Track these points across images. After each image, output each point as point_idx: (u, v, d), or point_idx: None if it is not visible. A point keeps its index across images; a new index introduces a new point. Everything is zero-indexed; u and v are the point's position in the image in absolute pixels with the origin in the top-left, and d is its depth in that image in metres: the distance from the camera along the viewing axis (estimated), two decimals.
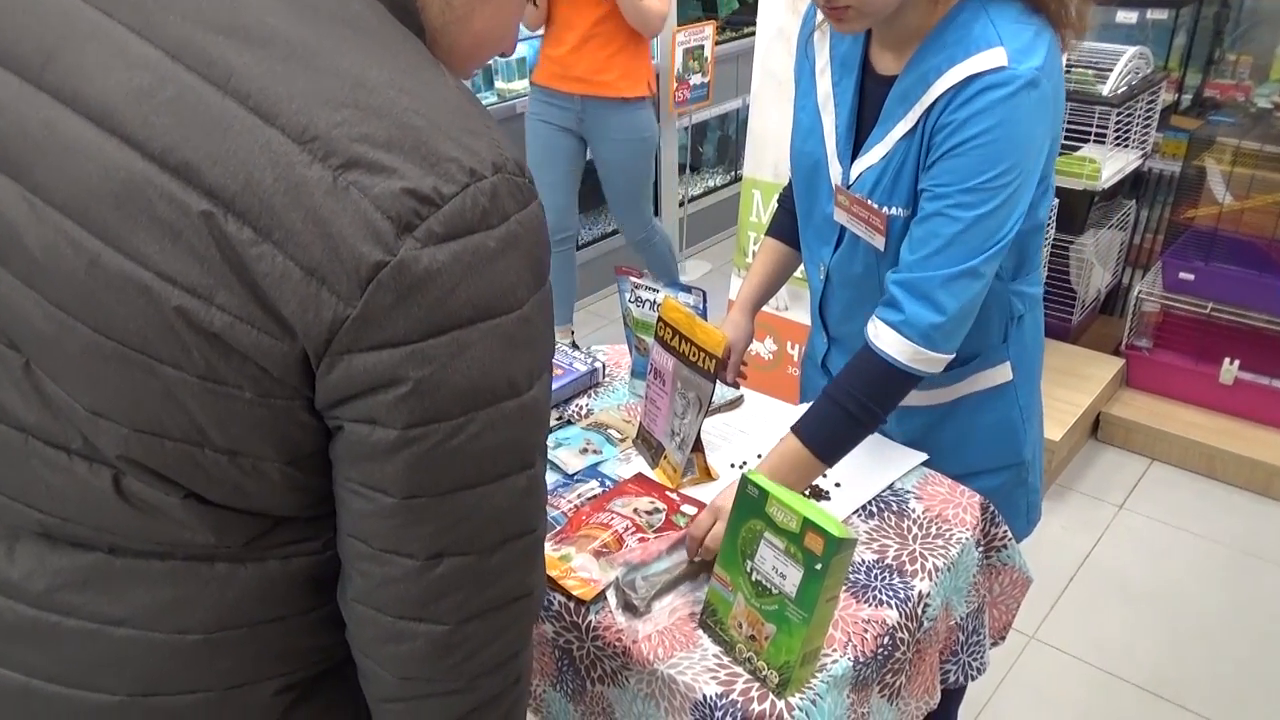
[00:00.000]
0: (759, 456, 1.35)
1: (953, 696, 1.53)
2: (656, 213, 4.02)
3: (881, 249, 1.19)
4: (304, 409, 0.61)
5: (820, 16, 1.27)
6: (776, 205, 1.51)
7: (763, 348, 2.93)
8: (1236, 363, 2.74)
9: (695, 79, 3.69)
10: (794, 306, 2.85)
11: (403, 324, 0.56)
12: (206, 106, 0.56)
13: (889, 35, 1.16)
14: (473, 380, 0.59)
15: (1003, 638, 1.40)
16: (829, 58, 1.25)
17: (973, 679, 1.26)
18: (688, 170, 4.05)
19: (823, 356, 1.42)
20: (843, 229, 1.26)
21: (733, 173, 4.49)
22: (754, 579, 1.01)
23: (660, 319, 1.33)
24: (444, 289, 0.56)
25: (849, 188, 1.22)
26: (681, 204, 4.05)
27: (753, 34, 4.17)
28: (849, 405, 1.15)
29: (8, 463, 0.66)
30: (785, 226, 1.47)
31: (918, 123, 1.12)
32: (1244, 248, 2.72)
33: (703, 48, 3.67)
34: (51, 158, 0.58)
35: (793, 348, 2.86)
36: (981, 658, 1.27)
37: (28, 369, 0.62)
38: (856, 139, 1.22)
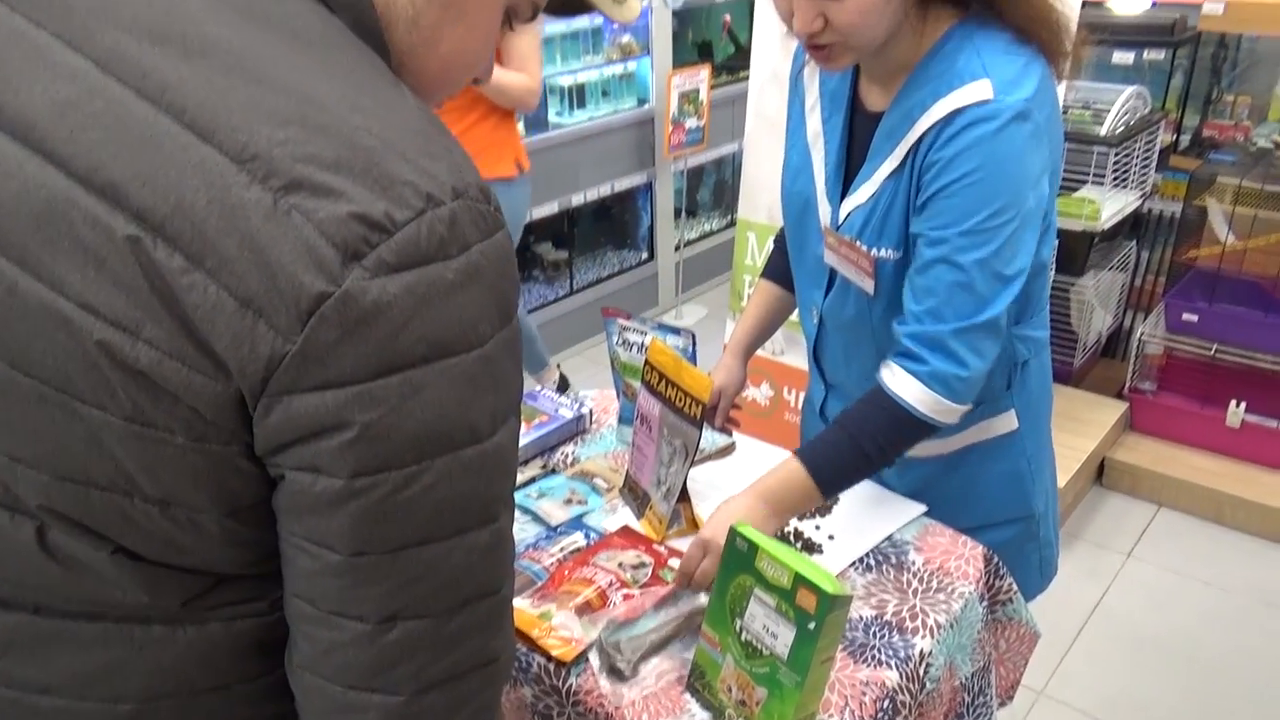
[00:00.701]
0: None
1: None
2: (652, 257, 4.00)
3: (871, 292, 1.15)
4: (242, 455, 0.55)
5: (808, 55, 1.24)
6: (772, 246, 1.47)
7: (759, 393, 2.88)
8: (1243, 405, 2.69)
9: (690, 122, 3.69)
10: (790, 351, 2.80)
11: (348, 362, 0.51)
12: (137, 122, 0.51)
13: (876, 70, 1.13)
14: (427, 425, 0.53)
15: (1010, 697, 1.32)
16: (819, 94, 1.21)
17: None
18: (684, 214, 4.03)
19: (821, 403, 1.37)
20: (834, 271, 1.22)
21: (729, 216, 4.48)
22: (744, 639, 0.95)
23: (647, 362, 1.28)
24: (395, 324, 0.51)
25: (837, 229, 1.18)
26: (678, 248, 4.03)
27: (747, 78, 4.18)
28: (863, 442, 1.09)
29: None
30: (780, 268, 1.43)
31: (905, 160, 1.08)
32: (1248, 288, 2.68)
33: (698, 91, 3.67)
34: None
35: (789, 393, 2.81)
36: (989, 718, 1.20)
37: None
38: (846, 178, 1.18)
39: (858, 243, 1.14)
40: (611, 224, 4.01)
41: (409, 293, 0.51)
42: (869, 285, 1.14)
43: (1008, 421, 1.27)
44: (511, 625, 0.65)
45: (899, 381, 1.08)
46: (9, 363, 0.53)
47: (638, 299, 3.96)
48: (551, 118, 3.45)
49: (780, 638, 0.91)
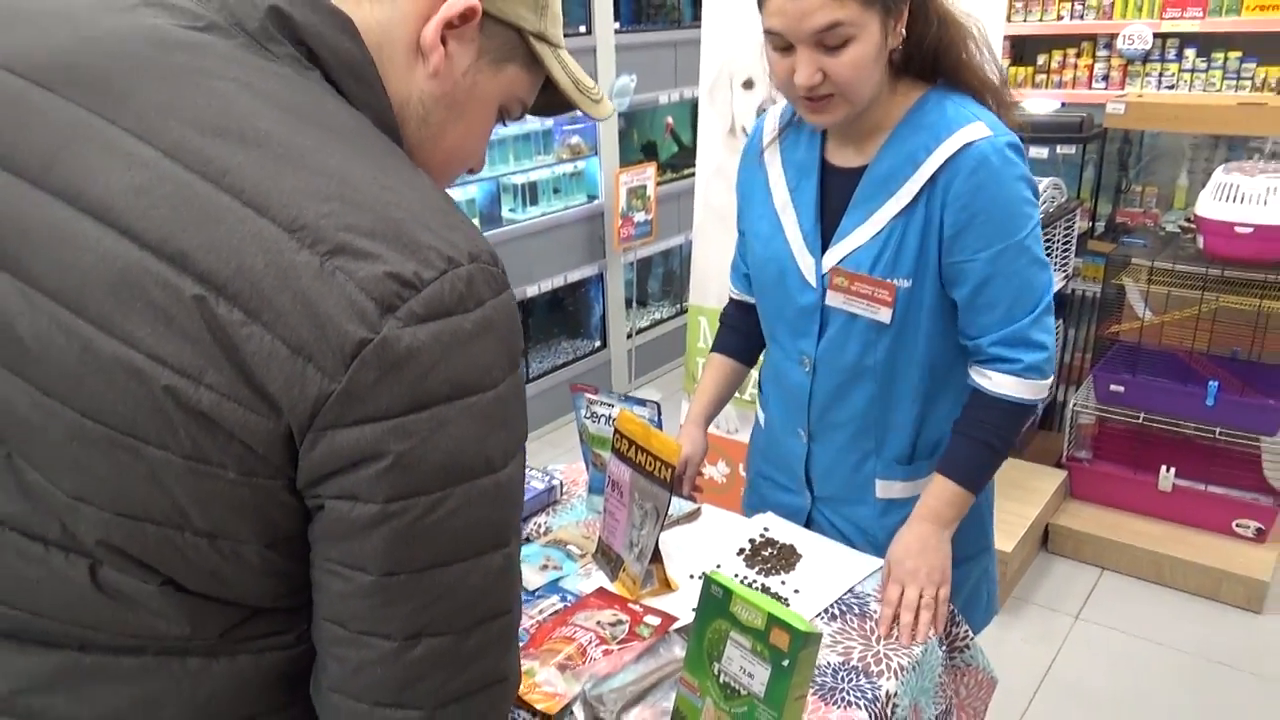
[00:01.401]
0: (718, 566, 1.36)
1: None
2: (605, 345, 4.10)
3: (887, 321, 1.27)
4: (285, 489, 0.62)
5: (770, 135, 1.39)
6: (720, 324, 1.58)
7: (715, 471, 2.95)
8: (1173, 470, 2.83)
9: (639, 216, 3.85)
10: (744, 428, 2.89)
11: (385, 399, 0.58)
12: (202, 200, 0.59)
13: (851, 132, 1.29)
14: (451, 456, 0.61)
15: None
16: (781, 169, 1.35)
17: None
18: (634, 303, 4.16)
19: (805, 457, 1.44)
20: (825, 318, 1.32)
21: (678, 305, 4.62)
22: (722, 681, 1.00)
23: (616, 431, 1.35)
24: (424, 366, 0.59)
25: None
26: (630, 335, 4.14)
27: (692, 175, 4.39)
28: (990, 440, 1.28)
29: None
30: (729, 344, 1.56)
31: (919, 194, 1.23)
32: (1168, 360, 2.86)
33: (645, 187, 3.85)
34: (49, 251, 0.60)
35: (745, 470, 2.89)
36: None
37: (9, 460, 0.63)
38: (824, 231, 1.31)
39: (872, 275, 1.26)
40: (565, 314, 4.12)
41: (436, 340, 0.59)
42: (885, 315, 1.27)
43: None
44: (518, 649, 0.71)
45: (999, 383, 1.26)
46: (81, 412, 0.60)
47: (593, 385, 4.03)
48: (505, 214, 3.58)
49: (756, 677, 0.97)
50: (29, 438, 0.62)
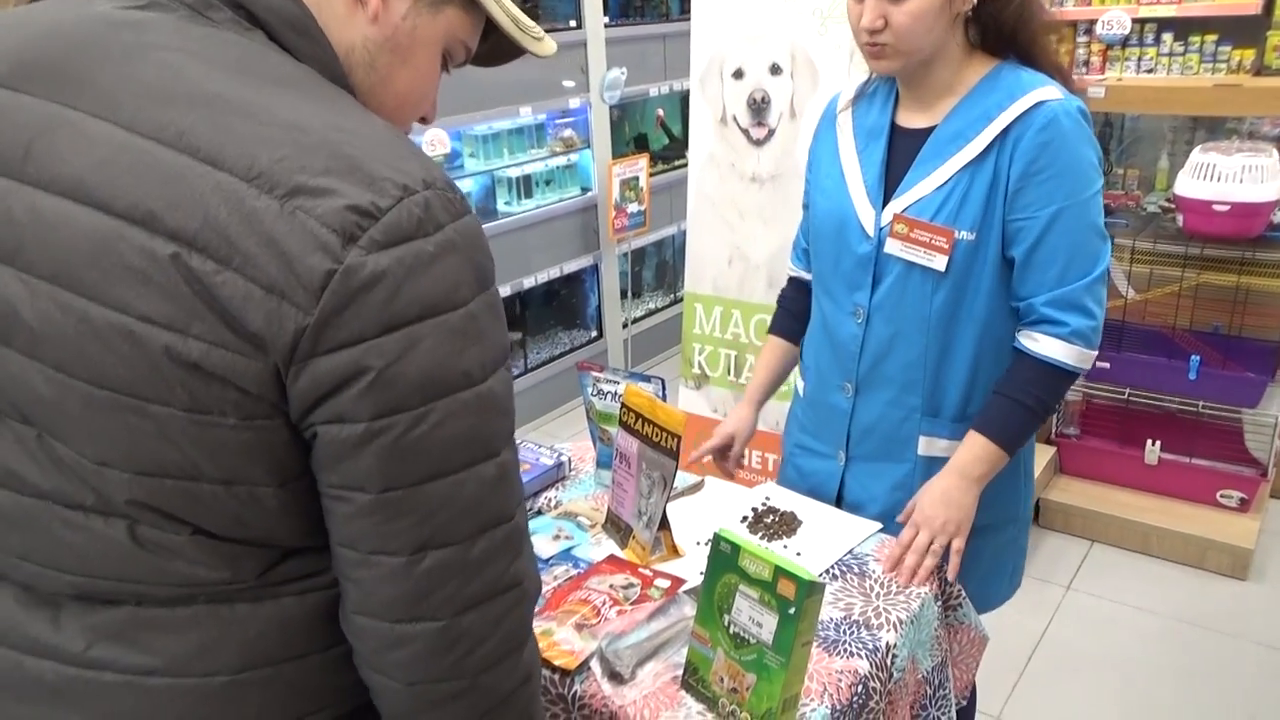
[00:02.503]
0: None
1: None
2: (601, 335, 4.16)
3: (942, 269, 1.33)
4: (284, 426, 0.67)
5: (844, 103, 1.48)
6: (777, 307, 1.67)
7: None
8: (1158, 444, 2.91)
9: (632, 207, 3.90)
10: None
11: (357, 324, 0.63)
12: (162, 163, 0.63)
13: (920, 94, 1.37)
14: (427, 372, 0.65)
15: (965, 697, 1.44)
16: (852, 133, 1.43)
17: None
18: (629, 294, 4.22)
19: (848, 415, 1.48)
20: (880, 270, 1.38)
21: (671, 295, 4.68)
22: (732, 631, 1.06)
23: (623, 405, 1.41)
24: (390, 290, 0.63)
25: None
26: (625, 325, 4.19)
27: (683, 165, 4.45)
28: (1028, 401, 1.32)
29: (34, 532, 0.70)
30: (785, 326, 1.65)
31: (989, 148, 1.29)
32: (1151, 336, 2.93)
33: (638, 179, 3.90)
34: (37, 237, 0.65)
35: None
36: (949, 712, 1.31)
37: (40, 439, 0.68)
38: (889, 188, 1.38)
39: (934, 223, 1.32)
40: (561, 305, 4.17)
41: (399, 264, 0.63)
42: (940, 263, 1.32)
43: None
44: (531, 554, 0.76)
45: (1045, 345, 1.31)
46: (88, 381, 0.65)
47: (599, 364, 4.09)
48: (501, 207, 3.63)
49: (765, 626, 1.03)
50: (52, 415, 0.67)
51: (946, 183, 1.33)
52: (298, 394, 0.65)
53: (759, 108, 2.71)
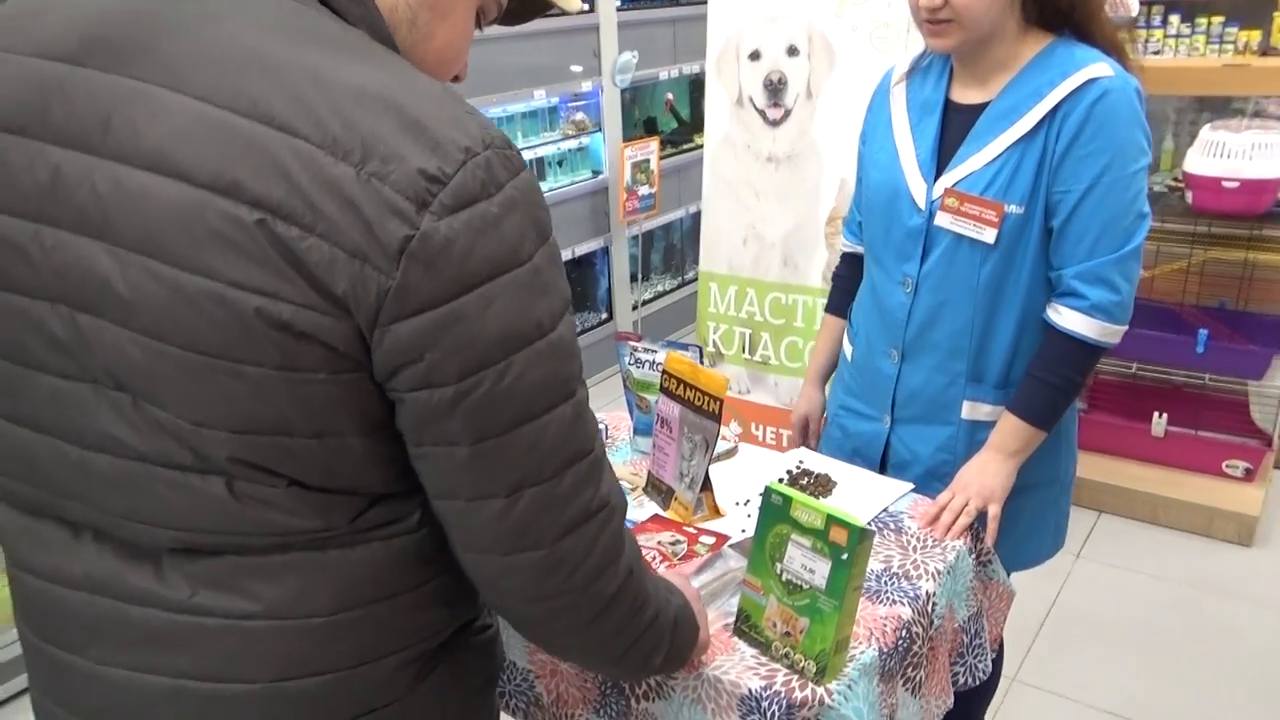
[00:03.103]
0: (761, 495, 1.47)
1: (974, 709, 1.64)
2: (611, 317, 4.21)
3: (991, 242, 1.37)
4: (368, 379, 0.70)
5: (897, 78, 1.52)
6: (832, 284, 1.74)
7: (728, 430, 3.07)
8: (1165, 417, 2.97)
9: (643, 190, 3.95)
10: (756, 389, 3.01)
11: (435, 287, 0.66)
12: (240, 133, 0.65)
13: (975, 69, 1.40)
14: (505, 327, 0.69)
15: (994, 648, 1.50)
16: (905, 108, 1.48)
17: (980, 680, 1.36)
18: (640, 277, 4.26)
19: (894, 380, 1.53)
20: (930, 241, 1.43)
21: (680, 278, 4.73)
22: (784, 579, 1.12)
23: (665, 371, 1.46)
24: (463, 252, 0.66)
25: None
26: (635, 307, 4.24)
27: (691, 149, 4.49)
28: (1052, 379, 1.37)
29: (136, 492, 0.74)
30: (840, 303, 1.71)
31: (1040, 124, 1.33)
32: (1159, 312, 2.98)
33: (648, 161, 3.94)
34: (123, 209, 0.67)
35: (757, 429, 3.01)
36: (985, 660, 1.37)
37: (135, 404, 0.71)
38: (941, 162, 1.43)
39: (984, 197, 1.36)
40: (572, 287, 4.21)
41: (468, 226, 0.66)
42: (989, 235, 1.36)
43: None
44: (612, 477, 0.82)
45: (1067, 318, 1.35)
46: (182, 346, 0.68)
47: (600, 357, 4.14)
48: None
49: (818, 572, 1.08)
50: (148, 381, 0.69)
51: (998, 158, 1.37)
52: (382, 357, 0.68)
53: (776, 89, 2.75)
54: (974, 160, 1.39)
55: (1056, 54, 1.36)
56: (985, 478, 1.40)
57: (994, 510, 1.39)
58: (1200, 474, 2.94)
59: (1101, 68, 1.32)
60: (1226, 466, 2.91)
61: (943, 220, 1.41)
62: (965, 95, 1.43)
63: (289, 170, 0.64)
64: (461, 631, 0.88)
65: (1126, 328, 1.39)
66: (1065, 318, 1.37)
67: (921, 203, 1.43)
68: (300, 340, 0.67)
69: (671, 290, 4.63)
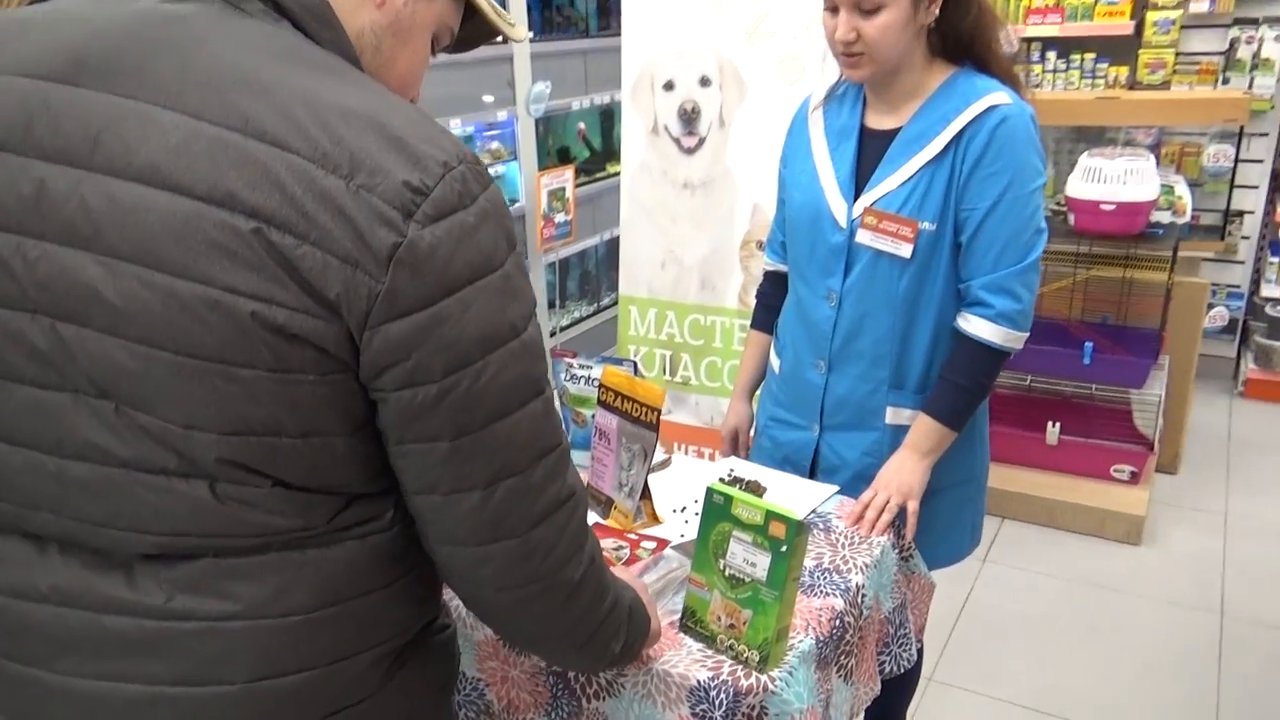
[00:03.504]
0: (696, 501, 1.54)
1: (895, 706, 1.72)
2: None
3: (908, 256, 1.48)
4: (354, 380, 0.74)
5: (814, 105, 1.63)
6: (756, 302, 1.82)
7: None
8: (1058, 426, 3.17)
9: (559, 217, 4.01)
10: (678, 410, 3.09)
11: (421, 291, 0.71)
12: (234, 148, 0.69)
13: (887, 97, 1.52)
14: (483, 329, 0.74)
15: (920, 639, 1.60)
16: (823, 134, 1.58)
17: (905, 667, 1.45)
18: (557, 304, 4.31)
19: (822, 390, 1.62)
20: (852, 257, 1.52)
21: (595, 304, 4.79)
22: (728, 574, 1.18)
23: (601, 385, 1.51)
24: (444, 259, 0.71)
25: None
26: (553, 334, 4.28)
27: (604, 178, 4.57)
28: (962, 382, 1.48)
29: (117, 498, 0.75)
30: (765, 320, 1.80)
31: (947, 148, 1.44)
32: (1048, 328, 3.19)
33: (564, 189, 4.00)
34: (115, 221, 0.69)
35: (680, 448, 3.08)
36: (910, 649, 1.46)
37: (118, 411, 0.73)
38: (859, 183, 1.53)
39: (900, 215, 1.47)
40: None
41: (449, 234, 0.71)
42: (906, 250, 1.47)
43: None
44: (575, 470, 0.87)
45: (975, 325, 1.45)
46: (175, 351, 0.71)
47: (572, 350, 4.16)
48: None
49: (758, 565, 1.15)
50: (135, 386, 0.71)
51: (910, 179, 1.48)
52: (371, 357, 0.72)
53: (689, 118, 2.86)
54: (889, 181, 1.50)
55: (959, 83, 1.49)
56: (903, 475, 1.50)
57: (912, 506, 1.48)
58: (1091, 478, 3.14)
59: (1000, 96, 1.45)
60: (1114, 471, 3.12)
61: (863, 237, 1.52)
62: (879, 121, 1.55)
63: (283, 182, 0.68)
64: (425, 629, 0.91)
65: (1028, 334, 1.50)
66: (973, 325, 1.48)
67: (842, 221, 1.53)
68: (293, 343, 0.70)
69: (588, 316, 4.69)
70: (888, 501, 1.46)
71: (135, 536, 0.76)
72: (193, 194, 0.69)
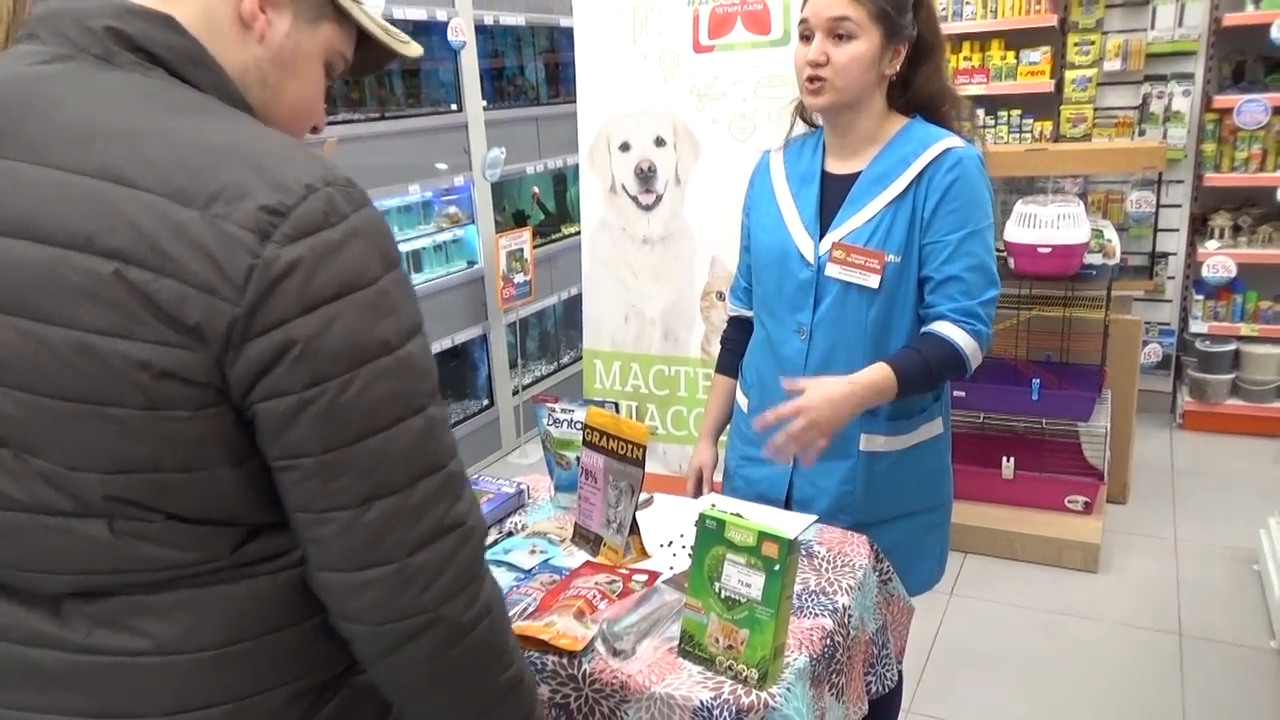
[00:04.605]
0: (681, 535, 1.58)
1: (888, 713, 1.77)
2: (492, 403, 4.26)
3: (876, 287, 1.56)
4: (230, 411, 0.75)
5: (774, 153, 1.74)
6: (721, 348, 1.89)
7: None
8: (1012, 460, 3.28)
9: (518, 277, 4.08)
10: (646, 459, 3.13)
11: (280, 308, 0.72)
12: (93, 193, 0.72)
13: (846, 144, 1.63)
14: (346, 343, 0.74)
15: (900, 660, 1.65)
16: (785, 180, 1.68)
17: (889, 687, 1.49)
18: (519, 363, 4.35)
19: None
20: (821, 292, 1.60)
21: (555, 363, 4.85)
22: (723, 596, 1.22)
23: (586, 425, 1.57)
24: (305, 275, 0.72)
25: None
26: (515, 393, 4.32)
27: (559, 239, 4.68)
28: (926, 353, 1.53)
29: (24, 542, 0.77)
30: (729, 364, 1.86)
31: (908, 188, 1.55)
32: (997, 366, 3.32)
33: (522, 250, 4.09)
34: None
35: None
36: (892, 670, 1.51)
37: (16, 457, 0.75)
38: (823, 224, 1.62)
39: (868, 247, 1.56)
40: (452, 376, 4.26)
41: (310, 252, 0.72)
42: (874, 281, 1.55)
43: (936, 427, 1.70)
44: (473, 498, 0.84)
45: (955, 333, 1.52)
46: (51, 396, 0.72)
47: (482, 443, 4.18)
48: None
49: (753, 585, 1.20)
50: (23, 432, 0.74)
51: (875, 216, 1.58)
52: (236, 378, 0.73)
53: (646, 176, 2.97)
54: (854, 220, 1.60)
55: (914, 130, 1.61)
56: (831, 409, 1.46)
57: (821, 442, 1.48)
58: (1047, 510, 3.25)
59: (954, 140, 1.58)
60: (1068, 502, 3.23)
61: (833, 270, 1.60)
62: (839, 166, 1.65)
63: (138, 222, 0.71)
64: (351, 669, 0.89)
65: (981, 360, 1.59)
66: (948, 329, 1.54)
67: (810, 257, 1.62)
68: (162, 380, 0.72)
69: (549, 375, 4.74)
70: (805, 430, 1.45)
71: (50, 577, 0.78)
72: (54, 241, 0.71)
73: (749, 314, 1.82)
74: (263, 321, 0.71)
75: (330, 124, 3.32)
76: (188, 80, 0.80)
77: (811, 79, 1.55)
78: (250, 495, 0.78)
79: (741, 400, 1.83)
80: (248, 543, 0.80)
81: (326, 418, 0.74)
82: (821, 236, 1.63)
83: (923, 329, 1.60)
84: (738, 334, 1.87)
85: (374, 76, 3.69)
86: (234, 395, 0.74)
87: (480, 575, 0.84)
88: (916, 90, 1.61)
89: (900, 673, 1.76)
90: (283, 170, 0.74)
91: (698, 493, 1.88)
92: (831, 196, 1.64)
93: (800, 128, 1.74)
